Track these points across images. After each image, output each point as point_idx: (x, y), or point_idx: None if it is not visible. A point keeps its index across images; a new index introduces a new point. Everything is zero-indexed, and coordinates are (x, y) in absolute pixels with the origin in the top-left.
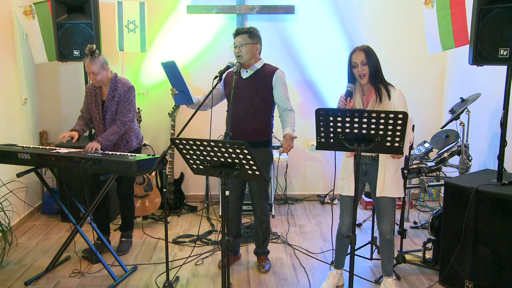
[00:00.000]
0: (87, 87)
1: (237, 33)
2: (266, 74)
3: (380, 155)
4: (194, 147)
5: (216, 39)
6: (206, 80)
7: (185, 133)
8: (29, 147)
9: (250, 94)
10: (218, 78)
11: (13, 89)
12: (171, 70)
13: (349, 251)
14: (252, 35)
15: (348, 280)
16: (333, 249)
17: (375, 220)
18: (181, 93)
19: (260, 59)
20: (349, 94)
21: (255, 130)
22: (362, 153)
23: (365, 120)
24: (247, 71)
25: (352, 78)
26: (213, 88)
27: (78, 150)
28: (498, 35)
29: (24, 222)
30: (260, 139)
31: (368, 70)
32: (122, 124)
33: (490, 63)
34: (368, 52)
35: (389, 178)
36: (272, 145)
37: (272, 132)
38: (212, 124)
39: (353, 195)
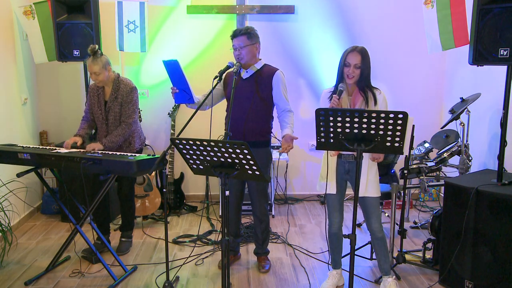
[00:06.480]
0: (90, 87)
1: (235, 35)
2: (266, 74)
3: (364, 154)
4: (194, 147)
5: (216, 39)
6: (206, 80)
7: (185, 133)
8: (29, 147)
9: (250, 94)
10: (218, 78)
11: (13, 89)
12: (172, 68)
13: (348, 251)
14: (250, 35)
15: (348, 280)
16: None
17: None
18: (182, 92)
19: (260, 59)
20: (340, 94)
21: (254, 130)
22: (346, 152)
23: (365, 120)
24: (246, 71)
25: (341, 76)
26: (213, 88)
27: (79, 150)
28: (498, 35)
29: (24, 222)
30: (260, 139)
31: (359, 73)
32: (127, 126)
33: (490, 63)
34: (364, 56)
35: (371, 179)
36: (272, 145)
37: (272, 133)
38: (212, 124)
39: (334, 193)
